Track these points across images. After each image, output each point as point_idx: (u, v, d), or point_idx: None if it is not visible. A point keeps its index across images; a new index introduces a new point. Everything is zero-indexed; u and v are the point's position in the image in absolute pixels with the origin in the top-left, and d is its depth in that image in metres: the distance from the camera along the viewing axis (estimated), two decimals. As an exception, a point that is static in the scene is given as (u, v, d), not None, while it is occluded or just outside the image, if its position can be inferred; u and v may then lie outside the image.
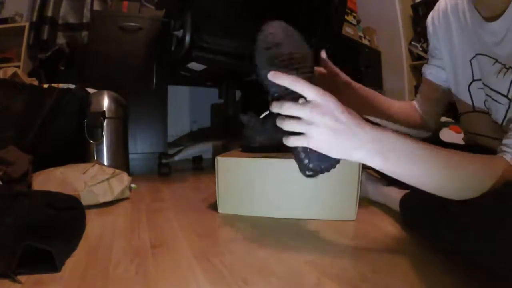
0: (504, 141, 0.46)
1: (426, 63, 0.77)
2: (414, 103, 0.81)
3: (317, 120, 0.43)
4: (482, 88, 0.61)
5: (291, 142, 0.46)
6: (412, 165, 0.44)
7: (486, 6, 0.56)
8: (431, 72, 0.75)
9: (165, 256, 0.55)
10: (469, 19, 0.61)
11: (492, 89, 0.59)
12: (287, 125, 0.45)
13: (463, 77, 0.65)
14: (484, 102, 0.62)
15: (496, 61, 0.56)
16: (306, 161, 0.47)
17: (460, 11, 0.63)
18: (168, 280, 0.46)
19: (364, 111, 0.71)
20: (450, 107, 0.77)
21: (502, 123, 0.58)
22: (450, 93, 0.74)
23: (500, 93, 0.57)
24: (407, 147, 0.43)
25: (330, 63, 0.65)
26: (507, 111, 0.57)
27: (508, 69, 0.54)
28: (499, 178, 0.42)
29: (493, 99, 0.59)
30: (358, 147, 0.43)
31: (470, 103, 0.66)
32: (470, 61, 0.63)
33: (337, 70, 0.66)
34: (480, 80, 0.62)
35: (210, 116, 2.29)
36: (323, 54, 0.64)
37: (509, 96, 0.55)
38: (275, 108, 0.45)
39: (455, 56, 0.67)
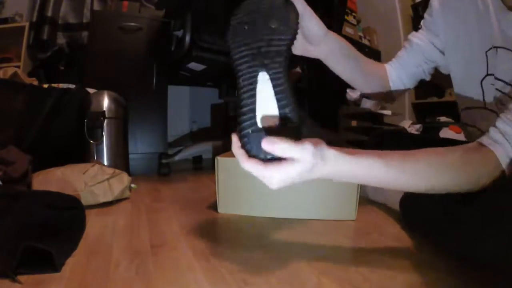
0: (498, 124, 0.43)
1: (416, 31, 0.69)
2: (386, 67, 0.71)
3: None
4: (493, 84, 0.57)
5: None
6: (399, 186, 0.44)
7: None
8: (418, 43, 0.67)
9: (165, 256, 0.55)
10: (490, 7, 0.55)
11: (508, 84, 0.54)
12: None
13: (476, 70, 0.59)
14: (494, 98, 0.57)
15: None
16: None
17: None
18: (168, 280, 0.46)
19: (341, 59, 0.65)
20: (450, 107, 0.75)
21: None
22: (428, 74, 0.69)
23: None
24: (391, 175, 0.42)
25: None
26: None
27: None
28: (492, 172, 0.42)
29: (510, 96, 0.54)
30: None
31: (481, 99, 0.61)
32: (486, 52, 0.57)
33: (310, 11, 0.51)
34: (493, 74, 0.57)
35: (210, 116, 2.29)
36: None
37: None
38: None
39: (467, 45, 0.60)
